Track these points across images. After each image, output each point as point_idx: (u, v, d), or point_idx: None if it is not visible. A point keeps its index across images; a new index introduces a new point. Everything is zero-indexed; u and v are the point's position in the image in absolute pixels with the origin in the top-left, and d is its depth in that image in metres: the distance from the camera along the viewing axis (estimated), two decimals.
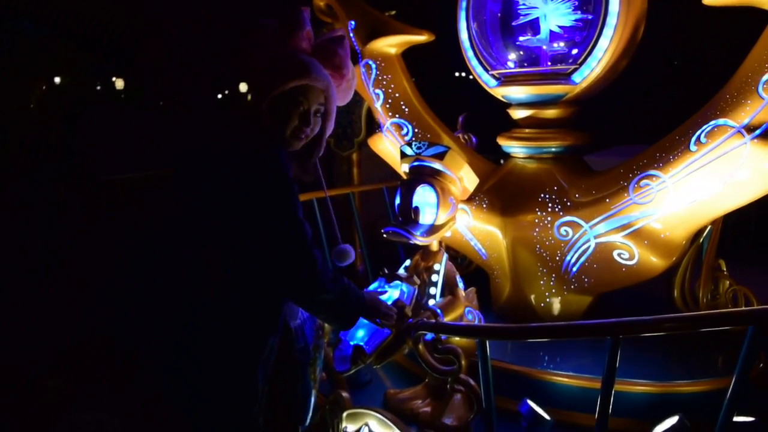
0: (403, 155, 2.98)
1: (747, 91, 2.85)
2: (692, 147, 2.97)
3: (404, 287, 2.70)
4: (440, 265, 2.97)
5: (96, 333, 4.79)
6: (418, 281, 2.79)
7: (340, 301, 2.15)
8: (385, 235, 2.89)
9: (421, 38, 4.08)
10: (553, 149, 3.55)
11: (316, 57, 2.27)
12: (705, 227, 3.32)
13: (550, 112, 3.54)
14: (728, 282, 3.41)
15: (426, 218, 2.87)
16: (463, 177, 2.91)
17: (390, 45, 4.14)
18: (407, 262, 3.12)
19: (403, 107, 4.05)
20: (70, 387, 4.14)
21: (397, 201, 2.93)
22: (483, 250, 3.75)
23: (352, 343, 2.57)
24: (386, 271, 2.78)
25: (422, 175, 2.89)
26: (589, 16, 3.37)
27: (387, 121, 4.06)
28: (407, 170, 3.00)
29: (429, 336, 2.63)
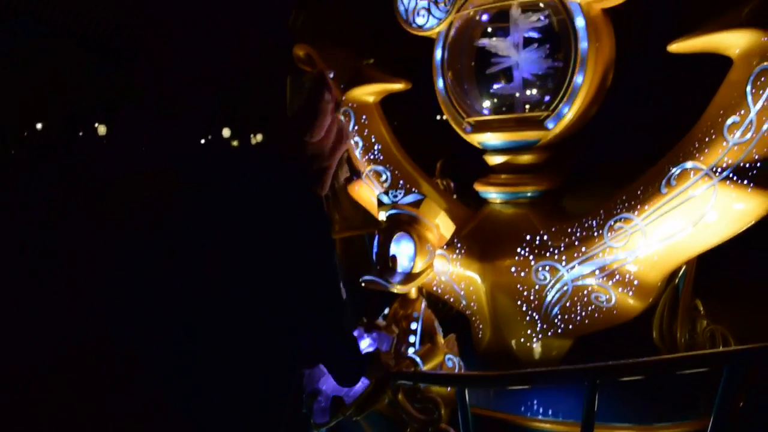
0: (380, 204, 3.02)
1: (713, 134, 2.91)
2: (663, 189, 3.02)
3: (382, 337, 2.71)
4: (419, 313, 2.99)
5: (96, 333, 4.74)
6: (396, 330, 2.80)
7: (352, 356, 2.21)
8: (363, 284, 2.91)
9: (399, 86, 4.17)
10: (529, 194, 3.61)
11: None
12: (680, 268, 3.36)
13: (525, 158, 3.61)
14: (705, 321, 3.45)
15: (403, 266, 2.90)
16: (440, 224, 2.95)
17: (368, 93, 4.22)
18: (386, 311, 3.14)
19: (382, 154, 4.10)
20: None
21: (375, 249, 2.97)
22: (463, 296, 3.77)
23: (331, 394, 2.57)
24: (365, 321, 2.80)
25: (399, 223, 2.93)
26: (560, 64, 3.46)
27: (366, 168, 4.11)
28: (385, 218, 3.04)
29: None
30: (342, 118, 4.28)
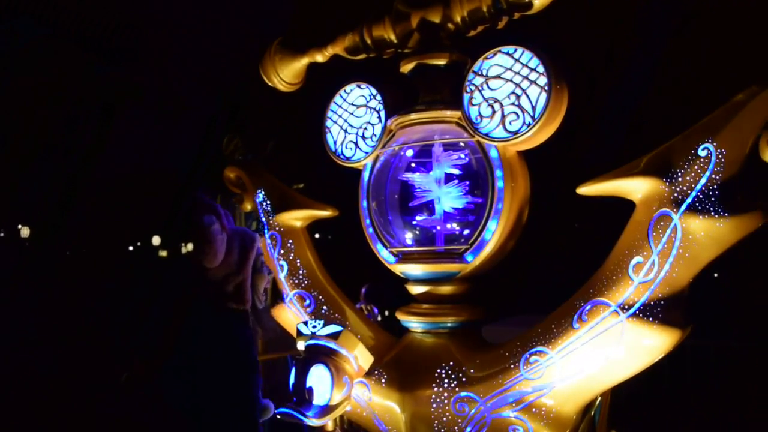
0: (299, 334, 3.02)
1: (619, 273, 3.09)
2: (575, 324, 3.14)
3: None
4: None
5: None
6: None
7: None
8: (279, 417, 2.85)
9: (326, 213, 4.28)
10: (449, 324, 3.66)
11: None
12: (595, 400, 3.44)
13: (446, 289, 3.69)
14: None
15: (320, 399, 2.86)
16: (358, 356, 2.95)
17: (296, 218, 4.30)
18: None
19: (307, 279, 4.13)
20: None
21: (291, 380, 2.93)
22: (383, 425, 3.71)
23: None
24: None
25: (317, 354, 2.92)
26: (480, 200, 3.63)
27: (290, 293, 4.12)
28: (303, 348, 3.02)
29: None
30: (269, 241, 4.35)
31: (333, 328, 2.91)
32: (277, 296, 4.38)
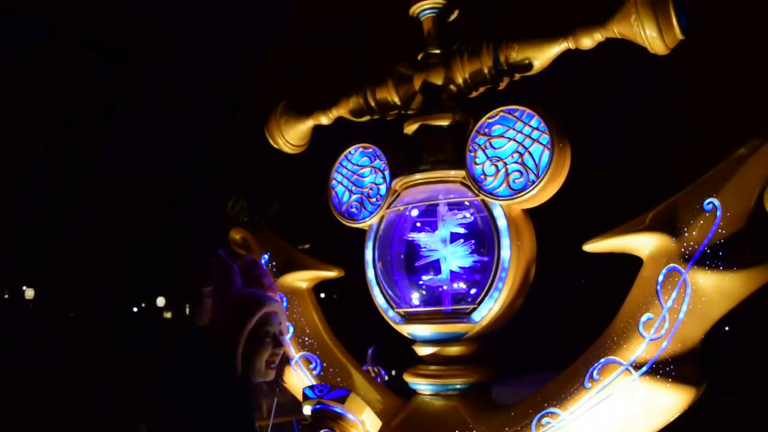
0: (305, 398, 2.97)
1: (629, 330, 3.04)
2: (587, 384, 3.08)
3: None
4: None
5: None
6: None
7: None
8: None
9: (332, 274, 4.26)
10: (458, 386, 3.60)
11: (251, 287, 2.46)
12: None
13: (454, 350, 3.64)
14: None
15: None
16: (365, 420, 2.89)
17: (301, 279, 4.28)
18: None
19: (313, 342, 4.08)
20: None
21: None
22: None
23: None
24: None
25: (324, 419, 2.86)
26: (486, 258, 3.62)
27: (296, 355, 4.06)
28: (309, 413, 2.96)
29: None
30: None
31: (340, 392, 2.85)
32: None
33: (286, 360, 2.52)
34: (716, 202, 2.92)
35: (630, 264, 3.28)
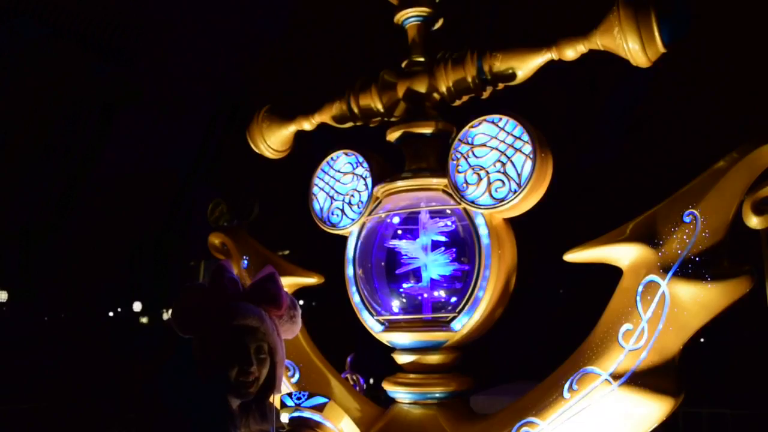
0: (283, 405, 2.94)
1: (608, 340, 3.05)
2: (565, 394, 3.08)
3: None
4: None
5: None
6: None
7: None
8: None
9: (311, 281, 4.23)
10: (437, 395, 3.58)
11: (250, 298, 2.39)
12: None
13: (433, 358, 3.62)
14: None
15: None
16: (344, 429, 2.87)
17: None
18: None
19: (291, 350, 4.04)
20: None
21: None
22: None
23: None
24: None
25: (302, 426, 2.83)
26: (466, 267, 3.61)
27: None
28: (286, 421, 2.93)
29: None
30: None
31: (318, 400, 2.83)
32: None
33: (269, 386, 2.42)
34: (696, 213, 2.94)
35: (609, 274, 3.29)
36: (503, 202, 3.37)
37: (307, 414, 2.81)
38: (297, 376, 3.95)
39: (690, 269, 2.92)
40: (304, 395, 2.86)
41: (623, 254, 3.15)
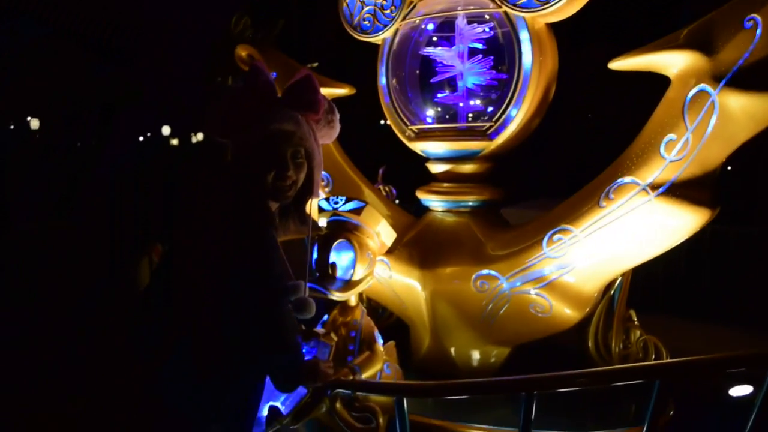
0: (321, 210, 2.98)
1: (650, 151, 2.98)
2: (601, 203, 3.08)
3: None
4: (358, 321, 2.95)
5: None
6: (335, 338, 2.76)
7: (293, 364, 2.13)
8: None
9: (342, 91, 4.12)
10: (470, 203, 3.62)
11: (285, 101, 2.31)
12: (615, 279, 3.43)
13: (467, 168, 3.62)
14: (639, 332, 3.54)
15: (343, 274, 2.86)
16: (381, 232, 2.92)
17: None
18: (325, 317, 3.09)
19: (324, 161, 4.04)
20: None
21: (315, 256, 2.91)
22: (403, 303, 3.75)
23: (267, 404, 2.51)
24: (303, 328, 2.74)
25: (340, 230, 2.88)
26: (504, 76, 3.48)
27: None
28: (325, 225, 2.99)
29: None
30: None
31: (356, 204, 2.86)
32: None
33: (307, 191, 2.41)
34: (758, 18, 2.73)
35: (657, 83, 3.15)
36: (547, 5, 3.18)
37: (344, 218, 2.86)
38: (331, 186, 3.99)
39: (744, 78, 2.76)
40: (342, 199, 2.89)
41: (673, 62, 2.98)
